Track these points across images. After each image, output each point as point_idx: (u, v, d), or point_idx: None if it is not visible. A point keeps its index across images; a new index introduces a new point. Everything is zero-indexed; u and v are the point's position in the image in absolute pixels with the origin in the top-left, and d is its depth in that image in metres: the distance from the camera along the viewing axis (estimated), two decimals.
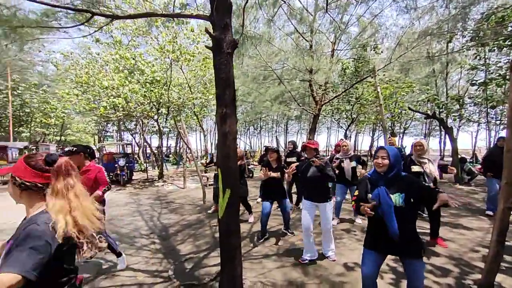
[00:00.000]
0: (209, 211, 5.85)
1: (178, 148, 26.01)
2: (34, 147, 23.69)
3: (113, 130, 26.34)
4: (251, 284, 2.77)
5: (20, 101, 19.55)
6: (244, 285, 2.66)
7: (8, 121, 17.95)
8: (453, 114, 9.71)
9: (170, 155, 21.74)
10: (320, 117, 10.59)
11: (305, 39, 7.13)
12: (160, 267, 3.25)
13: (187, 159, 15.19)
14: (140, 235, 4.40)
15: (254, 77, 8.37)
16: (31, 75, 19.45)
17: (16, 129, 21.09)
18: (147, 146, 17.93)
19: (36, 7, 2.93)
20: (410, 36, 6.29)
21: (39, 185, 1.10)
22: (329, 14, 5.90)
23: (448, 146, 15.52)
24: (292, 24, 6.46)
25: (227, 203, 2.13)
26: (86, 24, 2.65)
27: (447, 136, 10.37)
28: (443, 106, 9.12)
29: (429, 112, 11.59)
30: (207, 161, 6.04)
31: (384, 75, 9.43)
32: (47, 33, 3.13)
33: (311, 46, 7.28)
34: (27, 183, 1.09)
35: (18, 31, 3.08)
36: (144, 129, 17.12)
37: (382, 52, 7.40)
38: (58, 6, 2.56)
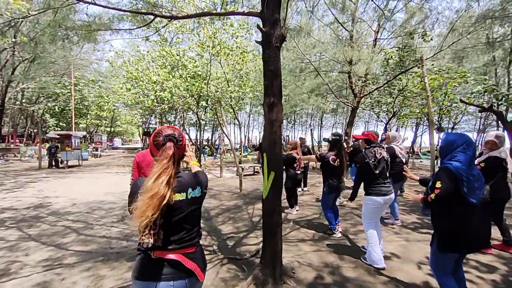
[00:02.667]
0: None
1: (213, 140, 27.20)
2: (89, 137, 26.76)
3: (155, 122, 28.51)
4: (288, 262, 2.98)
5: (80, 95, 22.32)
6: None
7: (70, 113, 20.61)
8: None
9: (206, 147, 22.92)
10: (357, 111, 10.20)
11: (345, 29, 6.94)
12: (205, 242, 3.63)
13: (223, 151, 15.88)
14: None
15: (291, 70, 8.39)
16: (89, 72, 21.94)
17: (76, 120, 24.08)
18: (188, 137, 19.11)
19: (94, 11, 3.40)
20: (466, 20, 5.76)
21: None
22: (372, 1, 5.68)
23: (507, 143, 13.76)
24: (332, 13, 6.35)
25: (272, 185, 2.34)
26: (148, 25, 3.03)
27: (505, 132, 9.23)
28: (503, 98, 8.11)
29: (485, 104, 10.39)
30: (255, 147, 6.36)
31: (432, 64, 8.71)
32: (115, 34, 3.63)
33: (351, 36, 7.04)
34: None
35: (93, 34, 3.58)
36: (183, 121, 18.25)
37: (431, 39, 6.84)
38: (126, 11, 2.96)
